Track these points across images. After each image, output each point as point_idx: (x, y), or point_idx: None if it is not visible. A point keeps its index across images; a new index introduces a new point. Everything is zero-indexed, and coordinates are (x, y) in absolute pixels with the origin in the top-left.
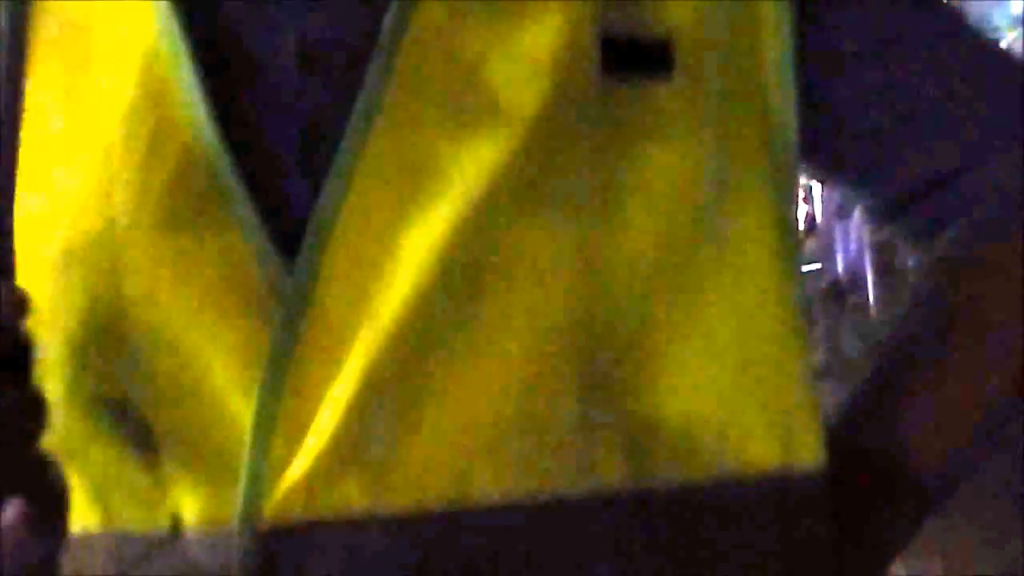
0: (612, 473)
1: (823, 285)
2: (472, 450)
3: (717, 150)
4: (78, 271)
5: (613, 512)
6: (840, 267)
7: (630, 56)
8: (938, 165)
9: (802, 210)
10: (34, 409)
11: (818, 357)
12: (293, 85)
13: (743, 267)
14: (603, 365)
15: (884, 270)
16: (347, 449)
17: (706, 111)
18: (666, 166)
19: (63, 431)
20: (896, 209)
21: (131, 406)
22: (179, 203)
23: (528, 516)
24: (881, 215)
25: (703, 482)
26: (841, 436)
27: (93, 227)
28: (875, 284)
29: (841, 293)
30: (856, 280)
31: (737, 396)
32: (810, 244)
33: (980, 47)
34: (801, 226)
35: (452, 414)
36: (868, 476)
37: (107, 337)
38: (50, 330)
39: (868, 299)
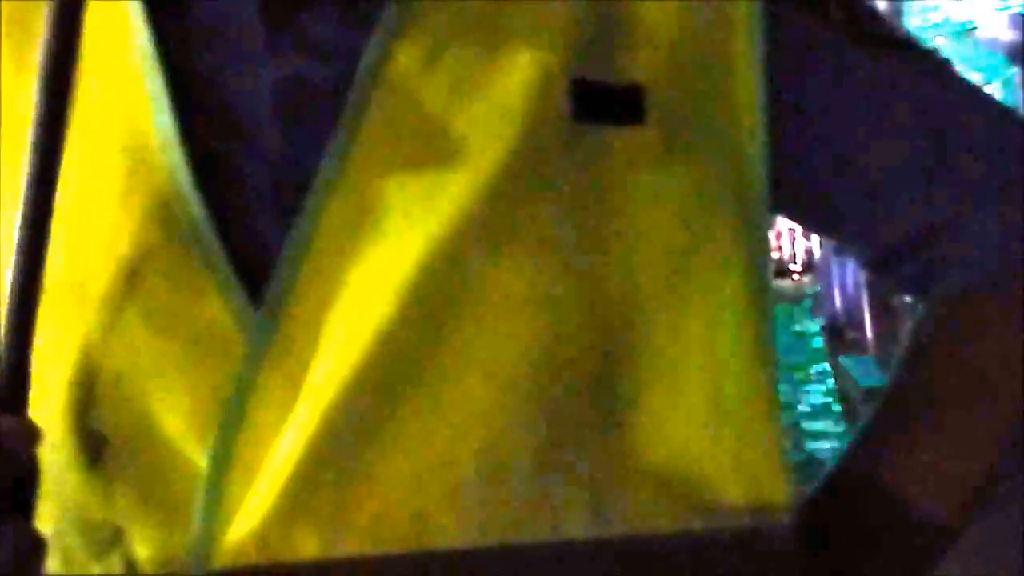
0: (575, 522)
1: (821, 322)
2: (431, 496)
3: (689, 198)
4: (46, 309)
5: (575, 561)
6: (838, 304)
7: (602, 103)
8: (926, 218)
9: (800, 248)
10: (36, 552)
11: (815, 394)
12: (267, 127)
13: (714, 315)
14: (568, 413)
15: (881, 307)
16: (303, 493)
17: (678, 159)
18: (635, 213)
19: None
20: (886, 261)
21: (90, 447)
22: (149, 245)
23: (487, 563)
24: (872, 267)
25: (669, 532)
26: (842, 474)
27: (63, 264)
28: (872, 320)
29: (839, 330)
30: (853, 317)
31: (706, 446)
32: (808, 281)
33: (967, 93)
34: (799, 264)
35: (411, 459)
36: (869, 514)
37: (72, 378)
38: None
39: (866, 335)
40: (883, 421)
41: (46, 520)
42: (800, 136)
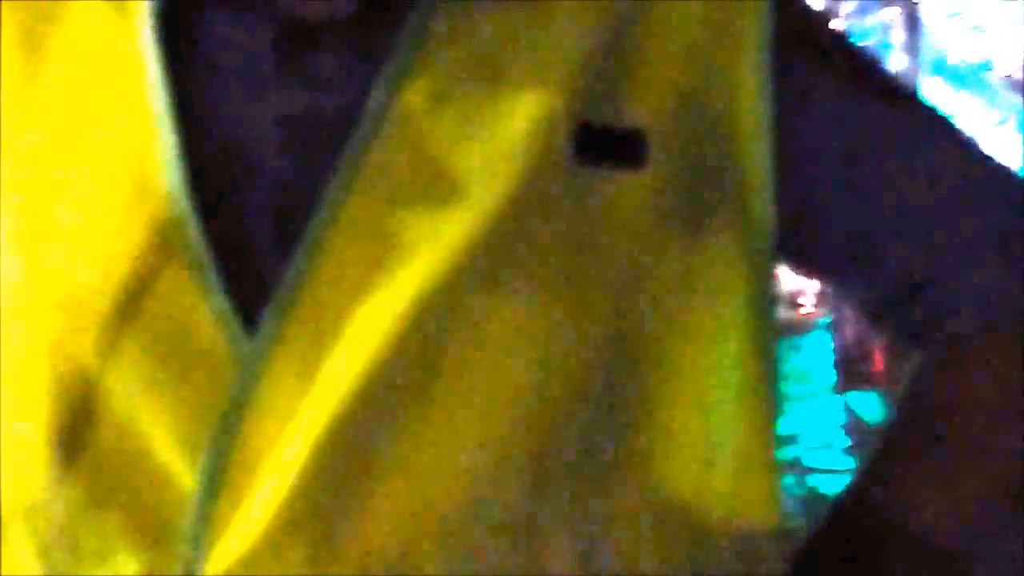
0: (561, 559)
1: (834, 355)
2: (418, 530)
3: (688, 242)
4: (39, 328)
5: None
6: (848, 337)
7: (604, 146)
8: (922, 268)
9: (814, 280)
10: None
11: (823, 428)
12: (272, 158)
13: (713, 360)
14: (559, 450)
15: (891, 341)
16: (292, 519)
17: (679, 201)
18: (634, 255)
19: (21, 487)
20: (883, 310)
21: (82, 465)
22: (148, 268)
23: None
24: (869, 316)
25: (654, 572)
26: (851, 508)
27: (58, 285)
28: (882, 355)
29: (848, 363)
30: (863, 350)
31: (697, 487)
32: (819, 313)
33: (964, 147)
34: (812, 297)
35: (400, 493)
36: (880, 548)
37: (65, 397)
38: (8, 384)
39: (875, 369)
40: (889, 457)
41: (28, 536)
42: (799, 183)
